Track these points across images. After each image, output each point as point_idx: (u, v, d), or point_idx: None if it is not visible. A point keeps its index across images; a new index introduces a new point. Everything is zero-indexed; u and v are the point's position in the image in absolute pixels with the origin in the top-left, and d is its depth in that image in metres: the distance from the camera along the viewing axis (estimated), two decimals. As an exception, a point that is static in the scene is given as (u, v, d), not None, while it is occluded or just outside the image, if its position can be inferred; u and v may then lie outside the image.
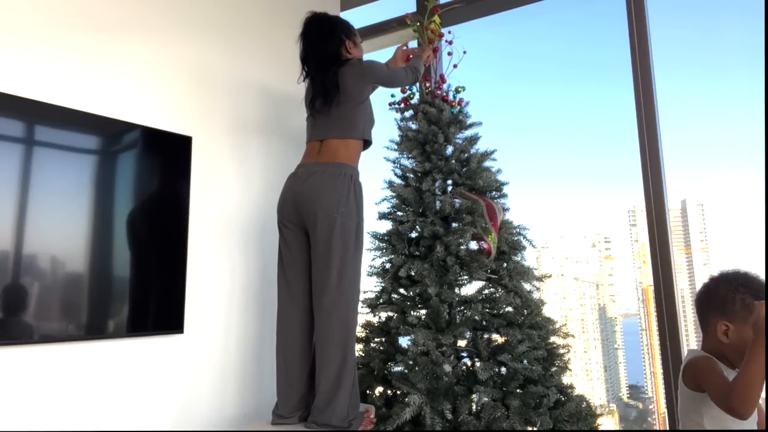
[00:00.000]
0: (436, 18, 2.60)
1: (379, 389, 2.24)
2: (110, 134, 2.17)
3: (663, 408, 2.88)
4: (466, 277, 2.24)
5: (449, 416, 1.94)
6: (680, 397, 1.49)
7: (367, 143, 2.17)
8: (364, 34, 2.33)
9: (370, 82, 2.14)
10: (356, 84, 2.08)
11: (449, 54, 2.60)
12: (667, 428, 2.30)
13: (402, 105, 2.61)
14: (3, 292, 1.82)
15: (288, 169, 2.15)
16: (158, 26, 2.40)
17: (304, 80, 2.22)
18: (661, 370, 2.35)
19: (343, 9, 3.28)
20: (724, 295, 1.42)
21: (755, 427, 1.43)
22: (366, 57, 2.29)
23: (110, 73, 2.21)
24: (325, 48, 2.14)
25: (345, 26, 2.24)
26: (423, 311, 2.20)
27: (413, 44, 2.64)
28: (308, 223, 2.00)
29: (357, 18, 3.14)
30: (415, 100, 2.59)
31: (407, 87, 2.56)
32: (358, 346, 2.29)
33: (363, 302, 2.32)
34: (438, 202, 2.35)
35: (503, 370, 2.10)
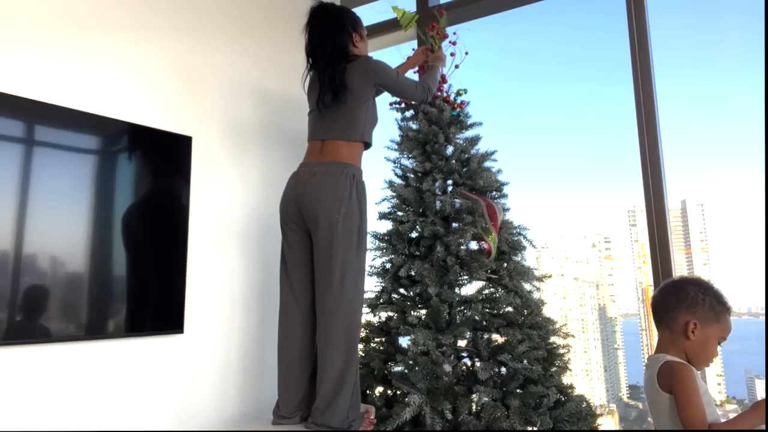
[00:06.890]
0: (443, 20, 2.59)
1: (379, 389, 2.24)
2: (110, 134, 2.17)
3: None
4: (466, 277, 2.24)
5: (449, 416, 1.94)
6: (656, 401, 1.48)
7: (367, 144, 2.14)
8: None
9: (373, 83, 2.10)
10: (359, 82, 2.05)
11: (452, 55, 2.60)
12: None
13: (402, 105, 2.60)
14: (3, 292, 1.82)
15: (289, 168, 2.14)
16: (158, 26, 2.40)
17: (308, 73, 2.18)
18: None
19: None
20: (694, 295, 1.50)
21: None
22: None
23: (110, 73, 2.20)
24: (334, 41, 2.09)
25: (353, 18, 2.20)
26: (423, 311, 2.20)
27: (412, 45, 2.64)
28: (310, 224, 1.99)
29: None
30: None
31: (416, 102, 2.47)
32: (359, 346, 2.29)
33: (364, 302, 2.32)
34: (438, 202, 2.34)
35: (503, 370, 2.10)
